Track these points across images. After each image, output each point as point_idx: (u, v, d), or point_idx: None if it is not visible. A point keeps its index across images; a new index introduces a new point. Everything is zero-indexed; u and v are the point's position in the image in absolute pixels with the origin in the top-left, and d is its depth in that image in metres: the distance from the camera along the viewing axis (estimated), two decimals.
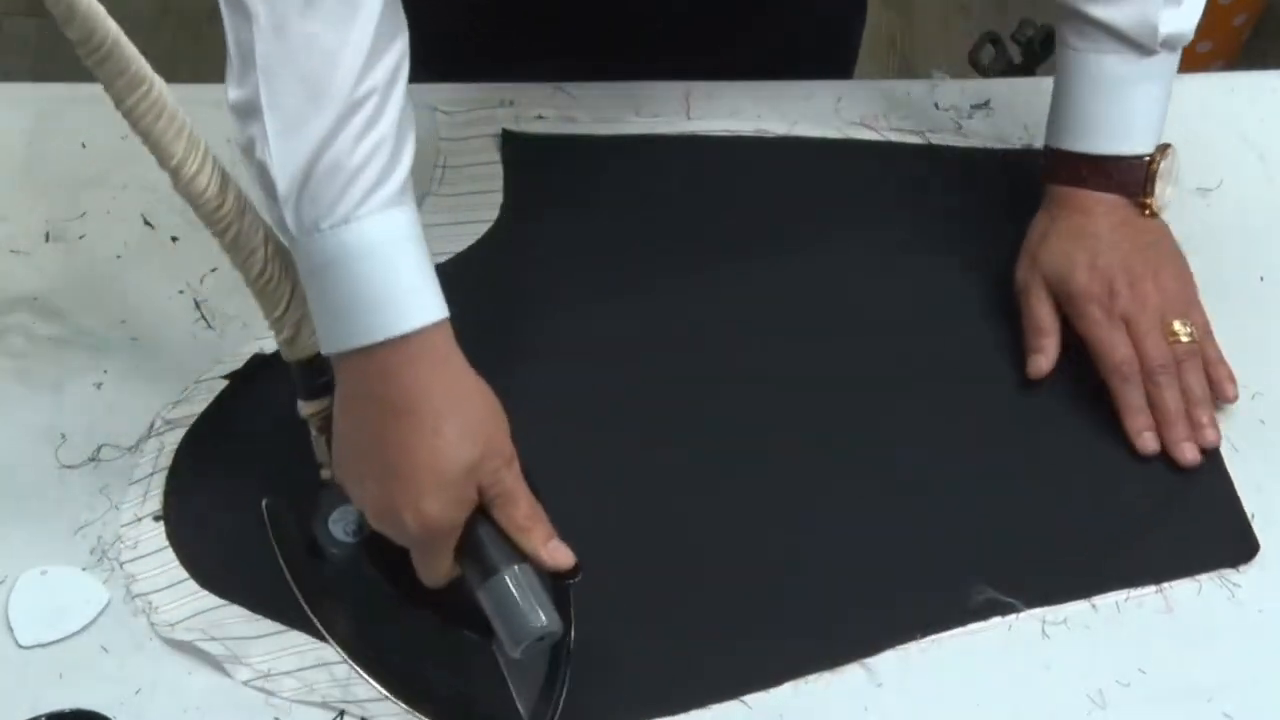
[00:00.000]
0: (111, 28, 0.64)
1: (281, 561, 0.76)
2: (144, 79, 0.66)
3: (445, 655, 0.75)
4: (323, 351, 0.69)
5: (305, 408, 0.74)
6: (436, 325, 0.68)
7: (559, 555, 0.70)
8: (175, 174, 0.68)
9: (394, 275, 0.67)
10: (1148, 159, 0.88)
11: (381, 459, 0.68)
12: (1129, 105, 0.88)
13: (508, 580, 0.69)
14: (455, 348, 0.70)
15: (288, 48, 0.65)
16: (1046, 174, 0.91)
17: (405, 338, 0.66)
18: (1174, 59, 0.88)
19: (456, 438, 0.68)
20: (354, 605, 0.76)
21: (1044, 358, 0.88)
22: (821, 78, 1.05)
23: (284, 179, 0.65)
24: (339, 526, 0.75)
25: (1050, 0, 0.89)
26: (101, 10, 0.63)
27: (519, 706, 0.72)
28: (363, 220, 0.65)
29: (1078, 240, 0.89)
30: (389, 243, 0.66)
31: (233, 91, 0.69)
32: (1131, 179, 0.89)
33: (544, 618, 0.68)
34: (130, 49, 0.65)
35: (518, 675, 0.73)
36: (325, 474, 0.75)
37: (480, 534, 0.70)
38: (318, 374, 0.72)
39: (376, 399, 0.67)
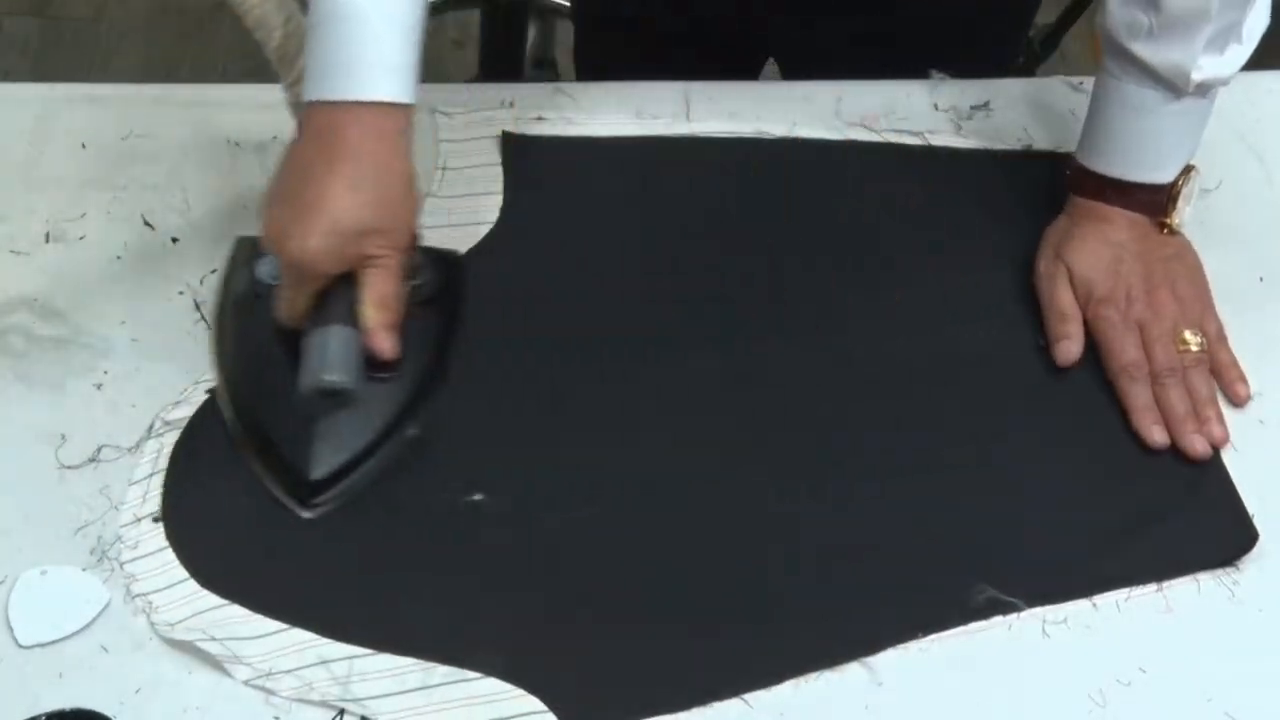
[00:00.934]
0: None
1: (217, 301, 0.85)
2: None
3: (272, 399, 0.81)
4: (303, 98, 0.78)
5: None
6: (396, 107, 0.77)
7: (385, 343, 0.79)
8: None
9: (374, 48, 0.76)
10: (1170, 184, 0.90)
11: (296, 193, 0.77)
12: (1159, 137, 0.89)
13: (332, 333, 0.78)
14: (405, 136, 0.78)
15: None
16: (1071, 184, 0.93)
17: (365, 104, 0.76)
18: (1209, 100, 0.89)
19: (365, 201, 0.76)
20: (246, 340, 0.84)
21: (1073, 343, 0.89)
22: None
23: None
24: (265, 270, 0.83)
25: (1054, 0, 0.89)
26: None
27: (307, 456, 0.79)
28: None
29: (1101, 245, 0.91)
30: (381, 19, 0.76)
31: None
32: (1154, 201, 0.91)
33: (336, 374, 0.77)
34: None
35: (322, 431, 0.80)
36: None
37: (335, 293, 0.78)
38: None
39: (319, 144, 0.77)
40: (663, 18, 1.10)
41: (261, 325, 0.82)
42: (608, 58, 1.17)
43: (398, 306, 0.80)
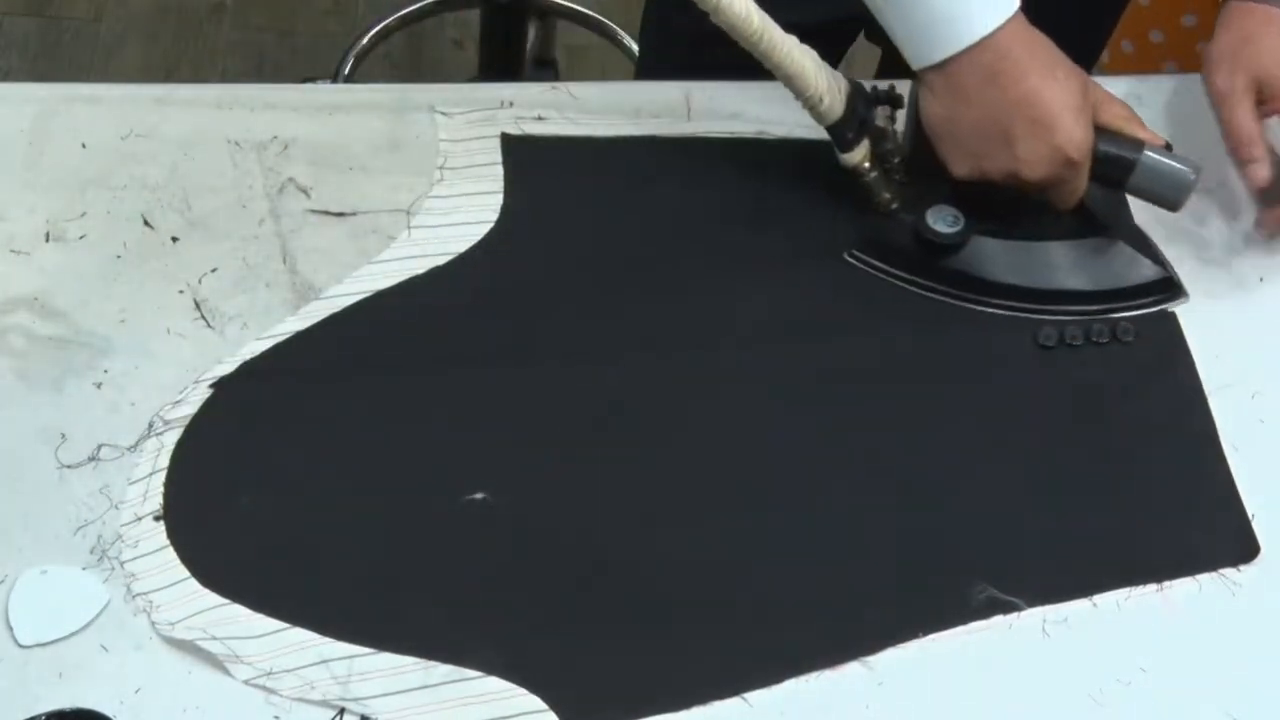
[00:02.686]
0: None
1: (892, 268, 0.93)
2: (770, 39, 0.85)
3: (1082, 260, 0.92)
4: (915, 66, 0.85)
5: (850, 158, 0.91)
6: (1017, 10, 0.83)
7: (1154, 135, 0.88)
8: (714, 7, 0.83)
9: None
10: None
11: (1027, 121, 0.83)
12: None
13: (1152, 154, 0.88)
14: (1024, 20, 0.84)
15: None
16: None
17: (1007, 22, 0.82)
18: None
19: (1066, 75, 0.84)
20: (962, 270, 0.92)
21: (1262, 166, 0.92)
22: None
23: None
24: (940, 223, 0.91)
25: None
26: None
27: (1151, 271, 0.93)
28: None
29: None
30: None
31: None
32: None
33: (1187, 164, 0.88)
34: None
35: (1142, 248, 0.93)
36: (892, 205, 0.93)
37: (1100, 144, 0.87)
38: (847, 129, 0.90)
39: (991, 80, 0.83)
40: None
41: (985, 256, 0.91)
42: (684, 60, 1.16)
43: (1131, 109, 0.89)
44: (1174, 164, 0.88)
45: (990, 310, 0.92)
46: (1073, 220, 0.92)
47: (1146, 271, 0.93)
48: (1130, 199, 0.95)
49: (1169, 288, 0.94)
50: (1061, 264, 0.92)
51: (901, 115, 0.93)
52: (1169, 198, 0.89)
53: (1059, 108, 0.83)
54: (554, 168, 0.97)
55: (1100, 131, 0.87)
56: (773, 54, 0.85)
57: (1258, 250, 0.97)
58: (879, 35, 1.05)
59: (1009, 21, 0.83)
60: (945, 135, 0.87)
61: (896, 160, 0.93)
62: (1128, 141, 0.88)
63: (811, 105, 0.88)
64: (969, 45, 0.83)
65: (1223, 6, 0.94)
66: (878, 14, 0.85)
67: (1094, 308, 0.92)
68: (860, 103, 0.90)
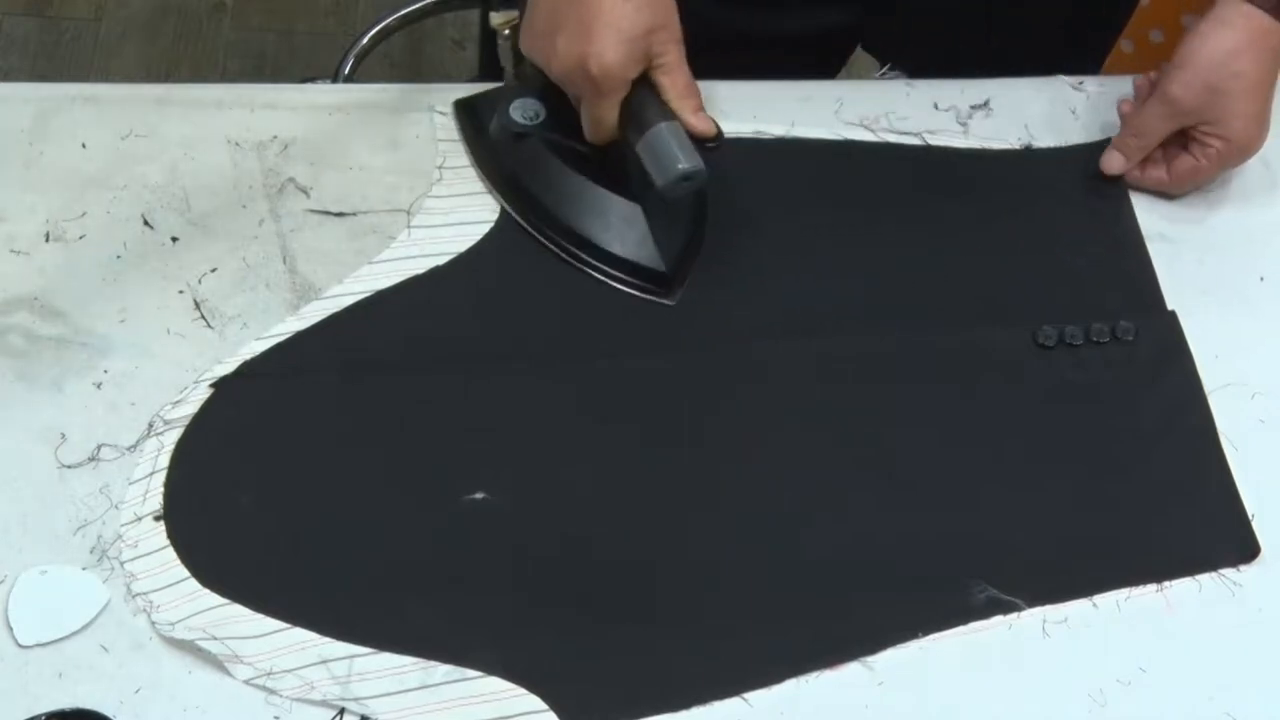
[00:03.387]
0: None
1: (469, 153, 0.94)
2: None
3: (600, 217, 0.90)
4: None
5: (496, 18, 0.94)
6: None
7: (703, 122, 0.87)
8: None
9: None
10: None
11: (575, 19, 0.84)
12: None
13: (664, 130, 0.85)
14: None
15: None
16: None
17: None
18: None
19: (638, 4, 0.83)
20: (530, 180, 0.92)
21: (1115, 159, 0.96)
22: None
23: None
24: (518, 113, 0.91)
25: None
26: None
27: (659, 258, 0.90)
28: None
29: None
30: None
31: None
32: None
33: (691, 160, 0.85)
34: None
35: (660, 229, 0.91)
36: (510, 77, 0.95)
37: (641, 97, 0.87)
38: None
39: None
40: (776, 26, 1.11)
41: (543, 162, 0.91)
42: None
43: (697, 90, 0.88)
44: (675, 149, 0.85)
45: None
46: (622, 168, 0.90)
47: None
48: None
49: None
50: (601, 210, 0.91)
51: None
52: (656, 177, 0.86)
53: (607, 23, 0.84)
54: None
55: (648, 86, 0.87)
56: None
57: (1258, 250, 0.97)
58: (875, 44, 1.06)
59: None
60: (528, 6, 0.88)
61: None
62: (660, 108, 0.87)
63: None
64: None
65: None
66: None
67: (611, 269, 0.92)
68: None
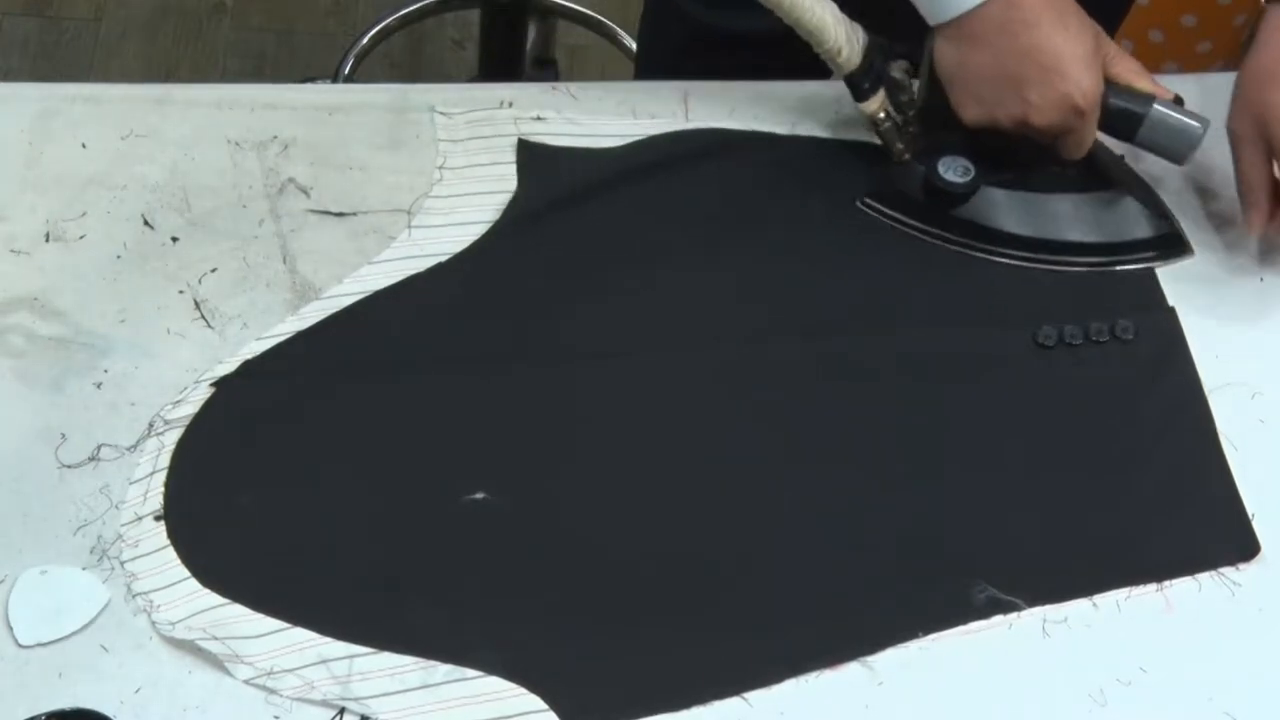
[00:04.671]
0: None
1: (903, 216, 0.96)
2: None
3: (1082, 218, 0.94)
4: (932, 23, 0.89)
5: (866, 107, 0.94)
6: None
7: (1161, 88, 0.91)
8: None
9: None
10: None
11: (1038, 68, 0.86)
12: None
13: (1159, 111, 0.91)
14: None
15: None
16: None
17: None
18: None
19: (1078, 26, 0.87)
20: (989, 220, 0.94)
21: (1258, 213, 0.93)
22: None
23: None
24: (950, 172, 0.93)
25: None
26: None
27: (1157, 225, 0.95)
28: None
29: None
30: None
31: None
32: None
33: (1197, 119, 0.91)
34: None
35: (1149, 204, 0.96)
36: (905, 155, 0.96)
37: (1110, 96, 0.90)
38: (864, 79, 0.93)
39: (1002, 29, 0.86)
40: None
41: (994, 205, 0.94)
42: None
43: (1141, 65, 0.92)
44: (1182, 118, 0.91)
45: (998, 260, 0.94)
46: (1080, 174, 0.94)
47: (1151, 226, 0.95)
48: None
49: (1174, 244, 0.96)
50: (1068, 216, 0.95)
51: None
52: (1176, 151, 0.92)
53: (1069, 56, 0.86)
54: (561, 170, 0.97)
55: (1110, 84, 0.90)
56: (794, 7, 0.88)
57: (1258, 250, 0.97)
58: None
59: None
60: (957, 81, 0.90)
61: (911, 112, 0.95)
62: (1138, 95, 0.91)
63: (830, 56, 0.91)
64: (980, 1, 0.86)
65: (1267, 6, 0.93)
66: None
67: (1098, 259, 0.94)
68: (877, 55, 0.93)
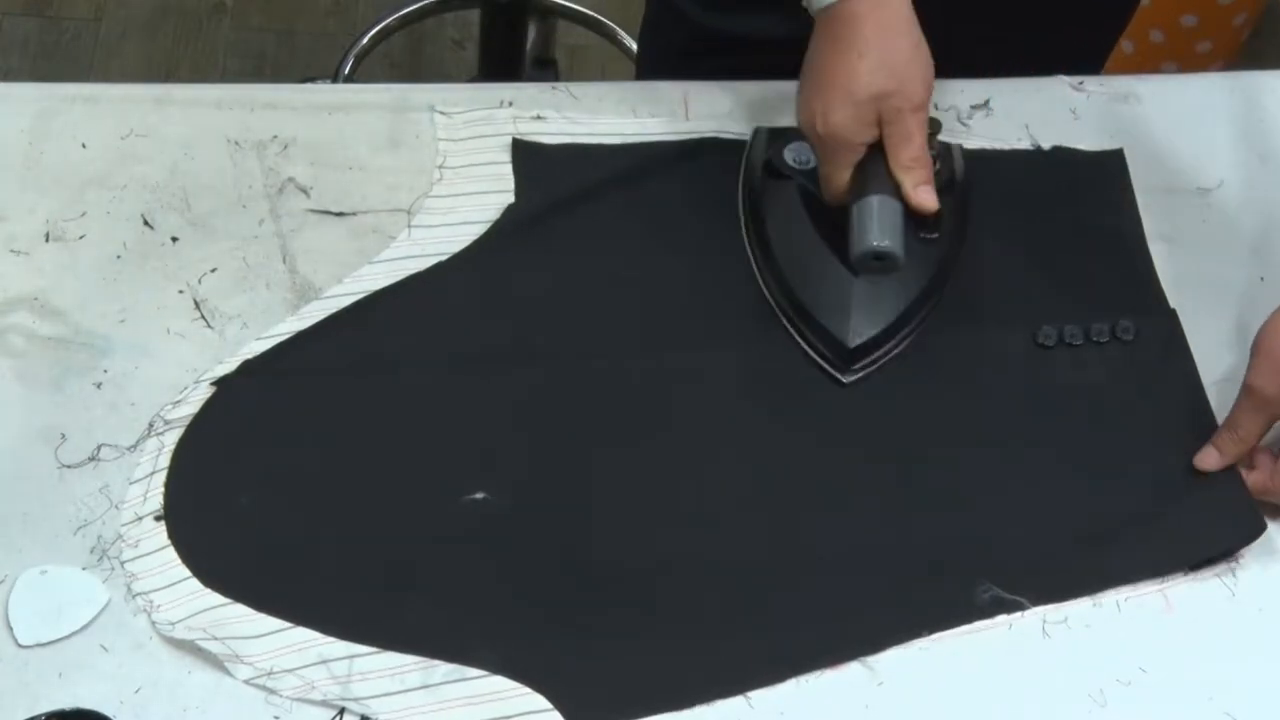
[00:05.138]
0: None
1: (740, 180, 0.94)
2: None
3: (814, 275, 0.88)
4: (811, 10, 0.85)
5: None
6: None
7: (925, 198, 0.85)
8: None
9: None
10: None
11: (815, 76, 0.85)
12: None
13: (872, 202, 0.84)
14: (905, 5, 0.84)
15: None
16: None
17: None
18: None
19: (873, 66, 0.83)
20: (770, 216, 0.91)
21: (1216, 458, 0.85)
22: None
23: None
24: (791, 155, 0.91)
25: None
26: None
27: (847, 332, 0.86)
28: None
29: None
30: None
31: None
32: None
33: (884, 239, 0.83)
34: None
35: (863, 307, 0.87)
36: None
37: (869, 165, 0.85)
38: None
39: (829, 33, 0.84)
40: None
41: (788, 206, 0.90)
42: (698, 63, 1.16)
43: (926, 163, 0.85)
44: (874, 224, 0.84)
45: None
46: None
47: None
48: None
49: None
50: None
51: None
52: (851, 247, 0.85)
53: (838, 83, 0.84)
54: (557, 168, 0.97)
55: (880, 155, 0.85)
56: None
57: (1258, 250, 0.97)
58: None
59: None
60: (802, 74, 0.88)
61: None
62: (883, 178, 0.85)
63: None
64: (827, 3, 0.85)
65: None
66: None
67: None
68: None
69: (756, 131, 0.96)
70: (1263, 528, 0.83)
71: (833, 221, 0.88)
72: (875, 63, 0.83)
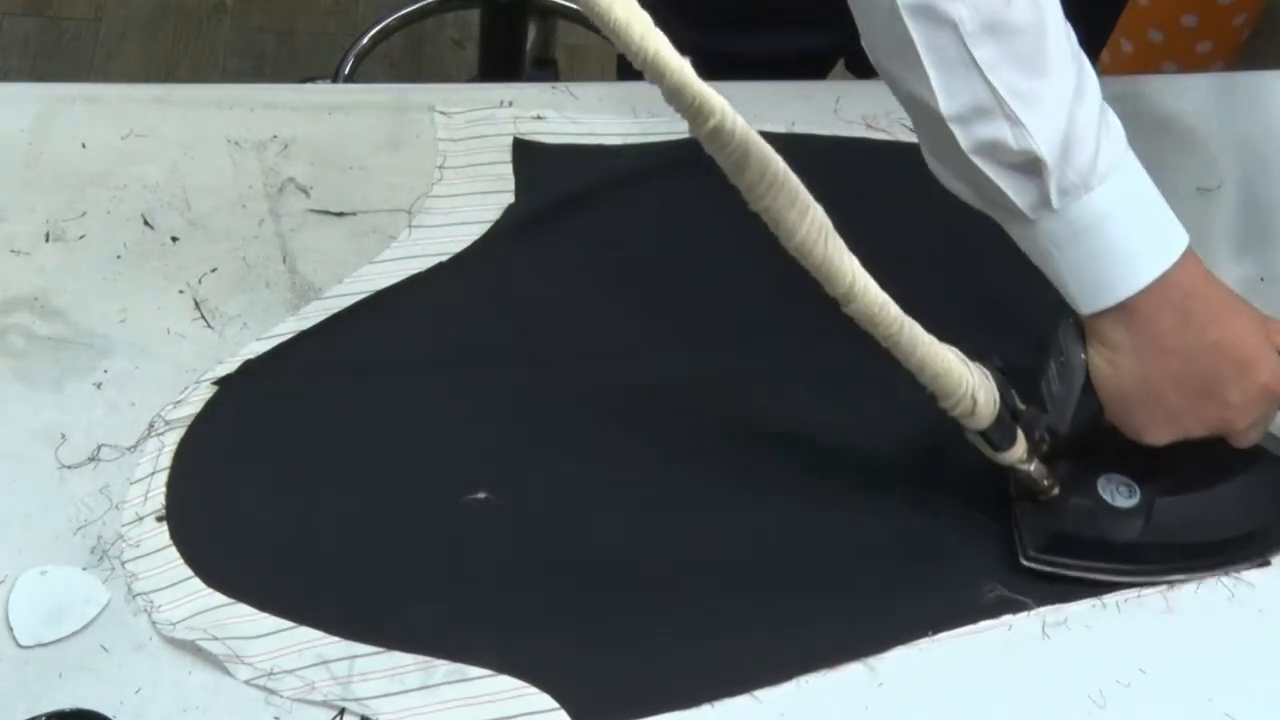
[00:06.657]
0: (780, 164, 0.66)
1: (1080, 560, 0.80)
2: (808, 205, 0.68)
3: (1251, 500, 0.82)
4: (1087, 311, 0.74)
5: (1009, 456, 0.77)
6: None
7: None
8: (848, 297, 0.69)
9: (1160, 203, 0.74)
10: None
11: (1226, 366, 0.74)
12: None
13: None
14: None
15: (1001, 39, 0.69)
16: None
17: (1186, 253, 0.73)
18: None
19: (1241, 301, 0.76)
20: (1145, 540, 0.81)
21: None
22: None
23: (1050, 154, 0.69)
24: (1117, 497, 0.81)
25: None
26: (769, 149, 0.66)
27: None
28: (1126, 162, 0.72)
29: None
30: (1142, 174, 0.73)
31: (946, 104, 0.72)
32: None
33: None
34: (795, 179, 0.67)
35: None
36: (1053, 491, 0.80)
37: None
38: (1009, 423, 0.75)
39: (1186, 321, 0.73)
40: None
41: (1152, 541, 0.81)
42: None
43: None
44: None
45: (1178, 578, 0.82)
46: (1229, 451, 0.80)
47: None
48: None
49: None
50: (1236, 502, 0.83)
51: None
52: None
53: (1256, 342, 0.75)
54: (557, 168, 0.97)
55: None
56: (915, 349, 0.71)
57: (1258, 250, 0.97)
58: (859, 65, 1.05)
59: (1188, 249, 0.73)
60: (1139, 399, 0.75)
61: (1049, 441, 0.79)
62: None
63: (963, 411, 0.73)
64: (1156, 279, 0.72)
65: None
66: (1040, 260, 0.75)
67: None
68: (1008, 391, 0.75)
69: (1035, 524, 0.81)
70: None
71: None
72: (1236, 296, 0.77)
